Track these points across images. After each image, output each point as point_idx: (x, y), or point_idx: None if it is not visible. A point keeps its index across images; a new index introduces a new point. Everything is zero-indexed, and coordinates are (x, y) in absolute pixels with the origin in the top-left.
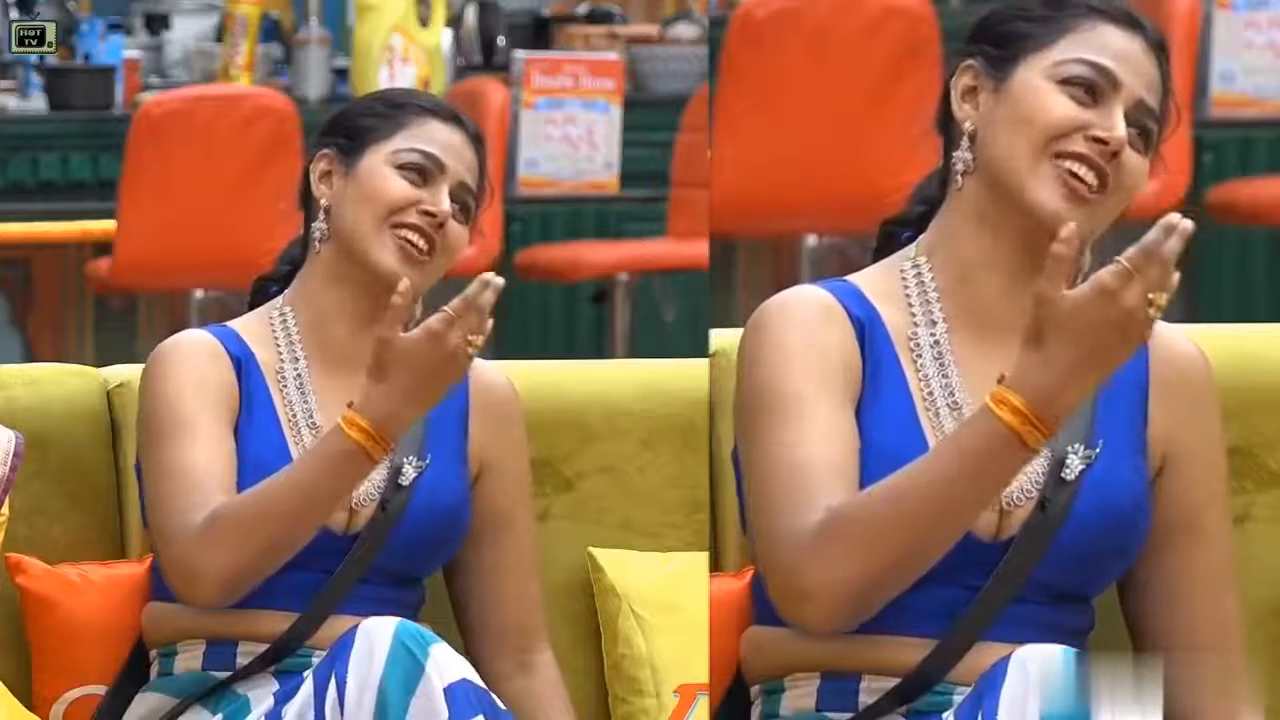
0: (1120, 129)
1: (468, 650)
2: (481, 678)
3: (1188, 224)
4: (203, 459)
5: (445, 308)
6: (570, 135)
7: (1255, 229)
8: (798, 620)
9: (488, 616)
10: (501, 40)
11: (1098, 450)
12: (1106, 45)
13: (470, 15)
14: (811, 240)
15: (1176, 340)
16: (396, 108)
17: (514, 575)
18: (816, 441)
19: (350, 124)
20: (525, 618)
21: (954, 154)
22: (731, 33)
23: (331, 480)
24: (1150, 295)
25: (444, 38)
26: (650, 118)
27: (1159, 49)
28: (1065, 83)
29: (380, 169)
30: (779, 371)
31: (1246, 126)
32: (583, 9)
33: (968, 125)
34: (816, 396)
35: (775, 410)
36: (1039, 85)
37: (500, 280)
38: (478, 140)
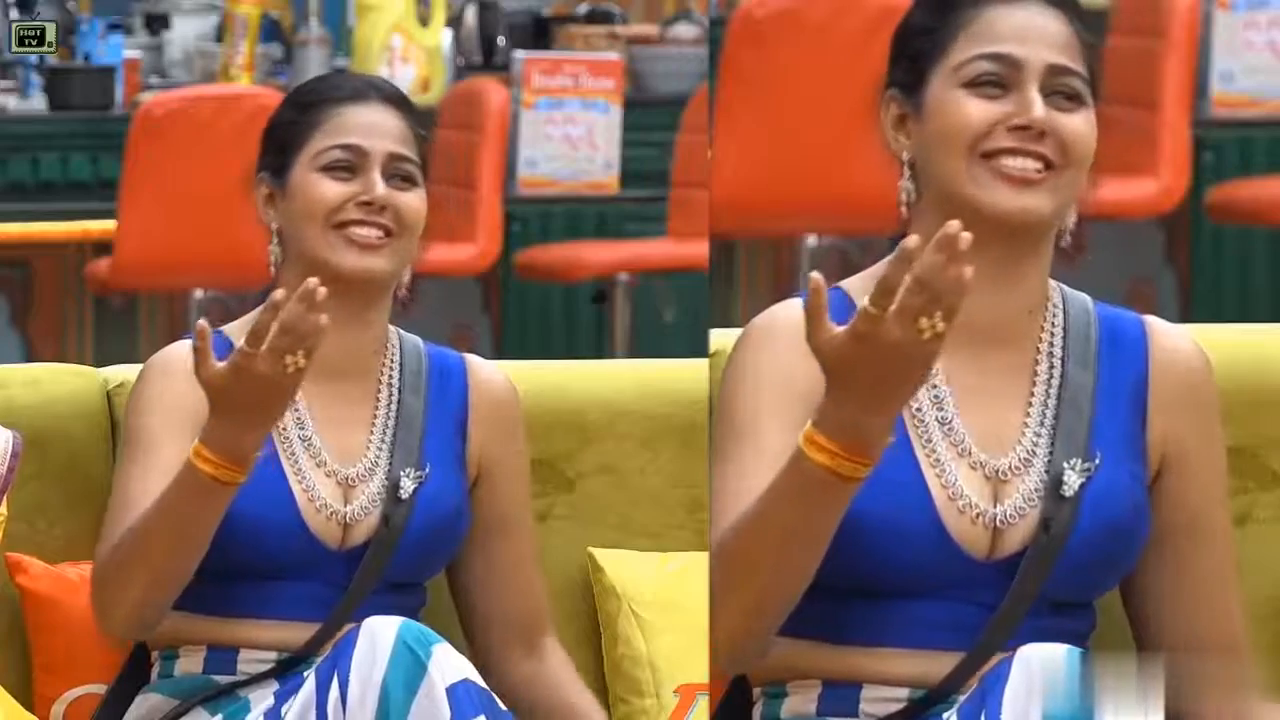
0: (1036, 108)
1: (473, 644)
2: (489, 668)
3: (951, 230)
4: (149, 487)
5: (242, 340)
6: (570, 135)
7: (1255, 229)
8: (724, 669)
9: (493, 611)
10: (501, 40)
11: (1096, 462)
12: (998, 30)
13: (470, 15)
14: (811, 240)
15: (1176, 339)
16: (307, 107)
17: (517, 570)
18: (762, 472)
19: (275, 137)
20: (530, 610)
21: (900, 183)
22: (731, 33)
23: (195, 510)
24: (923, 320)
25: (444, 38)
26: (650, 118)
27: (1058, 2)
28: (971, 85)
29: (307, 178)
30: (741, 394)
31: (1246, 126)
32: (583, 9)
33: (905, 155)
34: (774, 424)
35: (732, 435)
36: (948, 96)
37: (313, 284)
38: (398, 101)
